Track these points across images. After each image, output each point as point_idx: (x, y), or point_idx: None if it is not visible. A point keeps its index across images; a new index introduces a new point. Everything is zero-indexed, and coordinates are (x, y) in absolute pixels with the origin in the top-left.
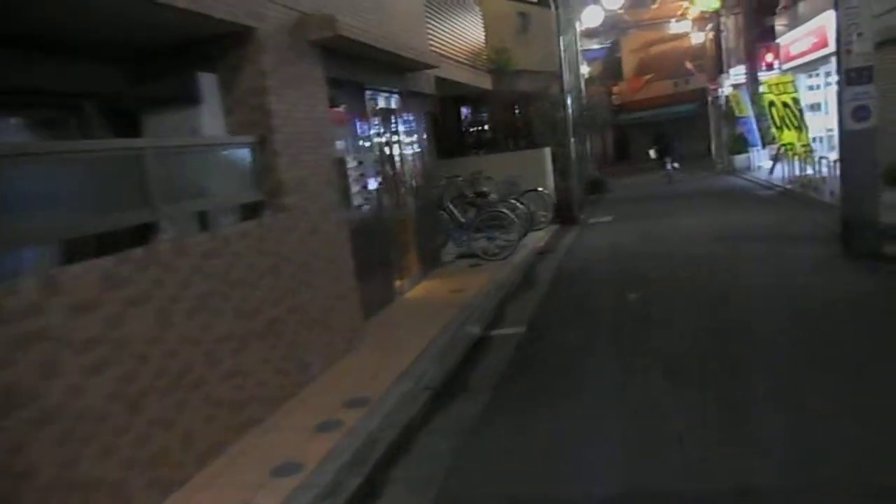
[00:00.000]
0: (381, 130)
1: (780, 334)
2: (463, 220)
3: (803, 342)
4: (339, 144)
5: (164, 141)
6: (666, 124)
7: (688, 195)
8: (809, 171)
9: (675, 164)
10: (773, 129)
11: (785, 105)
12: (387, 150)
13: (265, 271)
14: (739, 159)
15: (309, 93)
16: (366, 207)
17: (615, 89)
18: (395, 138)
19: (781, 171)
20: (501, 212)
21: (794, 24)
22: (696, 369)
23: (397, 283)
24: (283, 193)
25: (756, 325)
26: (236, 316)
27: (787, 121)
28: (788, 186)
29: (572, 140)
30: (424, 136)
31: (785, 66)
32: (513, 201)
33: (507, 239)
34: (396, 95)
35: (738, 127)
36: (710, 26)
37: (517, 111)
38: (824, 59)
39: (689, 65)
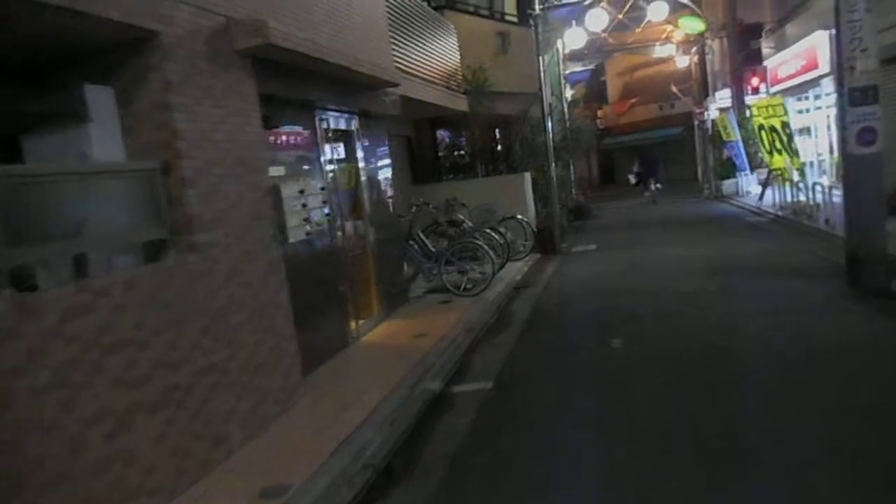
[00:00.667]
0: (335, 155)
1: (787, 402)
2: (434, 250)
3: (816, 414)
4: (278, 170)
5: (22, 168)
6: (650, 148)
7: (675, 222)
8: (802, 197)
9: (659, 185)
10: (763, 154)
11: (774, 129)
12: (342, 176)
13: (162, 327)
14: (727, 184)
15: (235, 111)
16: (314, 242)
17: (600, 113)
18: (352, 163)
19: (772, 196)
20: (475, 242)
21: (781, 46)
22: (692, 447)
23: (352, 325)
24: (193, 230)
25: (757, 389)
26: (114, 387)
27: (778, 145)
28: (780, 213)
29: (553, 165)
30: (389, 161)
31: (773, 90)
32: (488, 231)
33: (481, 272)
34: (355, 116)
35: (725, 151)
36: (694, 49)
37: (496, 134)
38: (814, 82)
39: (674, 88)
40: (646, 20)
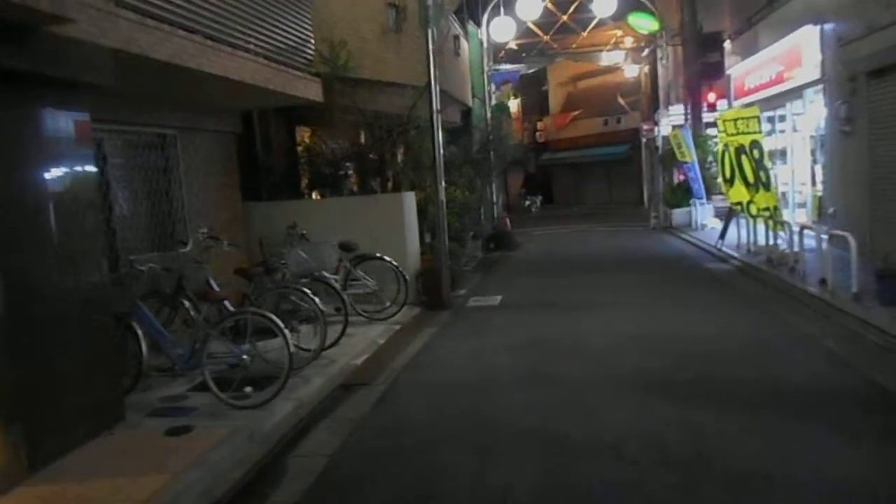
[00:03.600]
0: None
1: None
2: (201, 317)
3: None
4: None
5: None
6: (590, 167)
7: (614, 262)
8: (781, 242)
9: (537, 202)
10: (721, 182)
11: (741, 150)
12: None
13: None
14: (679, 213)
15: None
16: None
17: (540, 125)
18: None
19: (736, 234)
20: (264, 315)
21: (749, 51)
22: None
23: None
24: None
25: None
26: None
27: (743, 173)
28: (749, 260)
29: (443, 183)
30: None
31: (737, 104)
32: (300, 289)
33: (275, 364)
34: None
35: (677, 174)
36: (646, 51)
37: (375, 137)
38: (794, 93)
39: (621, 100)
40: (593, 23)
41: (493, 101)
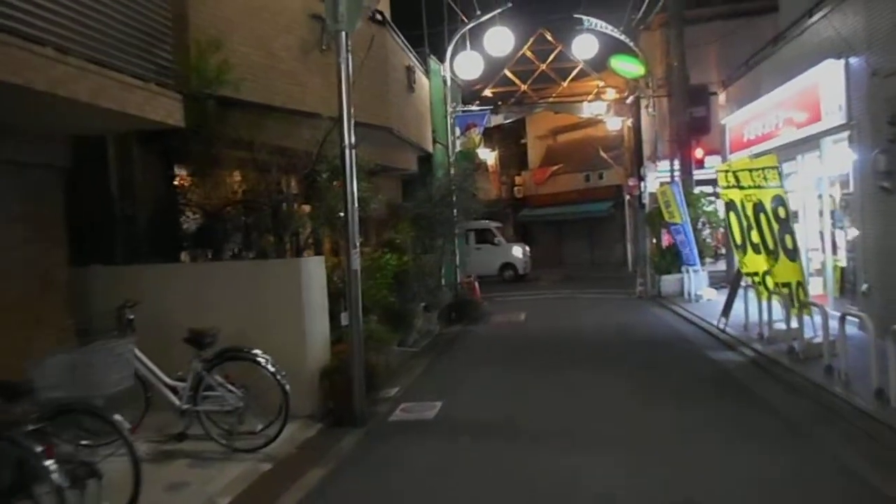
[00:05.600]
0: None
1: None
2: None
3: None
4: None
5: None
6: (572, 225)
7: (595, 350)
8: (809, 330)
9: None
10: (733, 249)
11: (759, 208)
12: None
13: None
14: (669, 281)
15: None
16: None
17: (518, 179)
18: None
19: (743, 310)
20: None
21: (748, 96)
22: None
23: None
24: None
25: None
26: None
27: (762, 235)
28: (764, 350)
29: (357, 246)
30: None
31: (734, 158)
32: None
33: None
34: None
35: (664, 234)
36: (630, 98)
37: (268, 181)
38: (807, 143)
39: (603, 154)
40: (573, 72)
41: (458, 148)
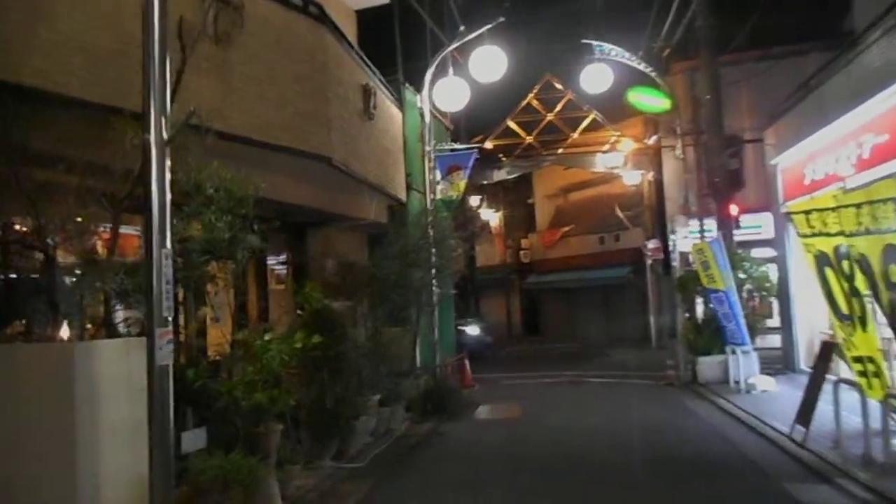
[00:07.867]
0: None
1: None
2: None
3: None
4: None
5: None
6: (579, 293)
7: (613, 480)
8: None
9: None
10: (832, 321)
11: (863, 262)
12: None
13: None
14: (708, 364)
15: None
16: None
17: (525, 243)
18: None
19: (834, 414)
20: None
21: (803, 131)
22: None
23: None
24: None
25: None
26: None
27: (833, 297)
28: (879, 484)
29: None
30: None
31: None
32: None
33: None
34: None
35: (702, 305)
36: (652, 138)
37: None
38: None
39: (619, 213)
40: (585, 121)
41: (438, 196)
